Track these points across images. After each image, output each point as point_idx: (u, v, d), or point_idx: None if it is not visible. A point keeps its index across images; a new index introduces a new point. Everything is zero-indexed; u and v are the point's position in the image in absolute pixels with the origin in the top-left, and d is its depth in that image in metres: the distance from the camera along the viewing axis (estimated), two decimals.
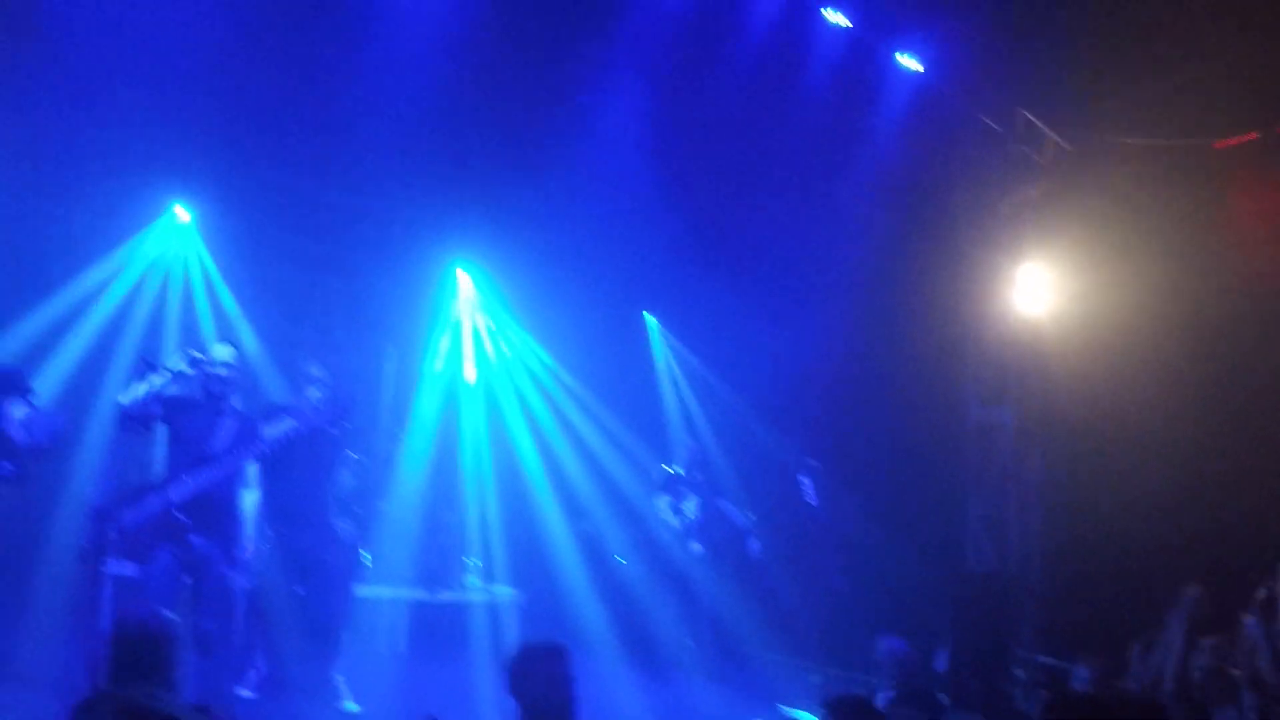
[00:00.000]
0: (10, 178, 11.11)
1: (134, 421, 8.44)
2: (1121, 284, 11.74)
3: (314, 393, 9.33)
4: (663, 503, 13.03)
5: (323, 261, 13.31)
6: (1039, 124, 12.51)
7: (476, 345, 14.46)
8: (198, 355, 8.57)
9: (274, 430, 8.53)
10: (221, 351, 8.70)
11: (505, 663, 5.43)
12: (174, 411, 8.46)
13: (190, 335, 12.05)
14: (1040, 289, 12.61)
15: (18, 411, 8.74)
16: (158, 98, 11.02)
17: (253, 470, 8.56)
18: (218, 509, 8.32)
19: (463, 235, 13.75)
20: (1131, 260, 11.66)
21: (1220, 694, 8.71)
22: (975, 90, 12.45)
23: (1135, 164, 11.81)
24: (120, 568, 8.94)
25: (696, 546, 12.87)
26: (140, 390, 8.31)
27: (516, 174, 12.78)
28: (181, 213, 12.64)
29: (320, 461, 9.35)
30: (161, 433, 8.82)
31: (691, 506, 12.99)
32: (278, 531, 9.02)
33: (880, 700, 7.12)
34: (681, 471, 13.23)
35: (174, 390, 8.47)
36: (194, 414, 8.50)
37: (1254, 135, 11.33)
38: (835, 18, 11.91)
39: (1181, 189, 11.50)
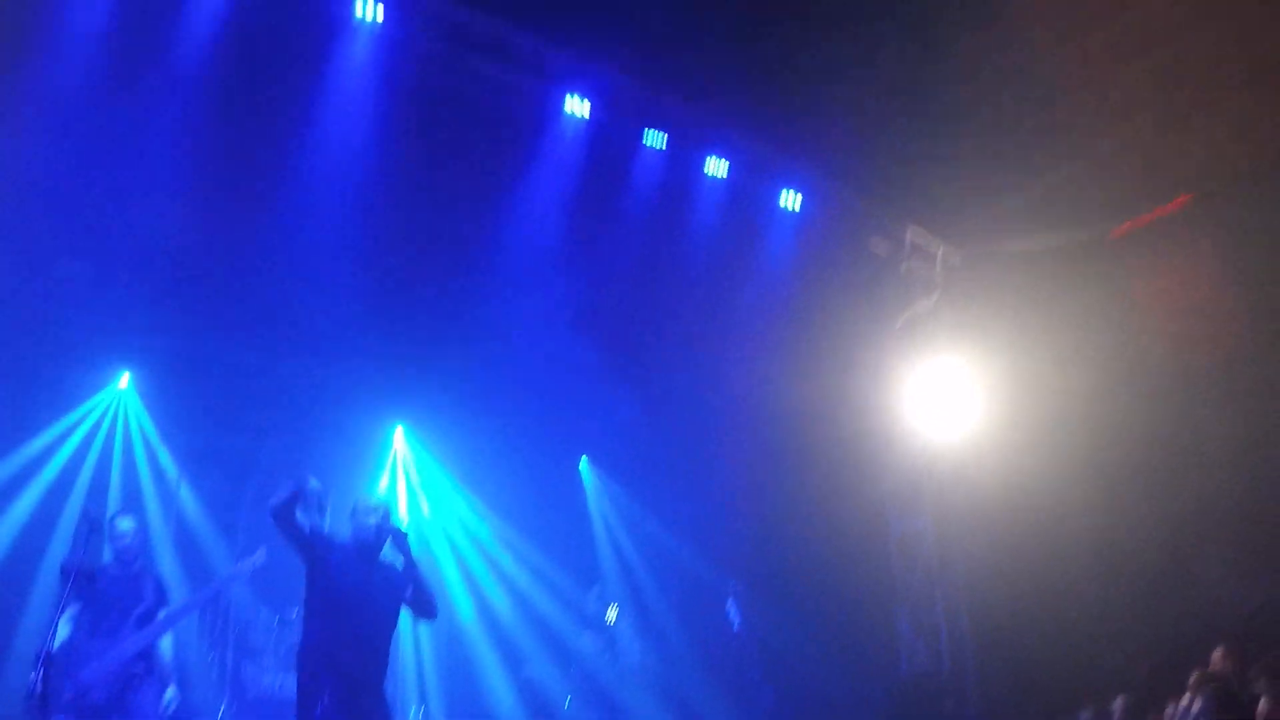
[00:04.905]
0: None
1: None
2: (1025, 382, 12.45)
3: None
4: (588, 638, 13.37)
5: (262, 426, 13.71)
6: (929, 238, 13.14)
7: (411, 500, 14.78)
8: None
9: None
10: None
11: None
12: None
13: (131, 497, 12.56)
14: (946, 398, 13.10)
15: None
16: (101, 270, 11.75)
17: None
18: None
19: (399, 396, 14.27)
20: (1032, 358, 12.41)
21: None
22: (861, 215, 13.15)
23: (1028, 265, 12.61)
24: None
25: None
26: None
27: (449, 337, 13.48)
28: (122, 381, 13.18)
29: None
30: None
31: (586, 640, 13.40)
32: None
33: None
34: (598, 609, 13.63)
35: None
36: None
37: (1145, 219, 12.23)
38: (715, 166, 12.69)
39: (1074, 284, 12.35)
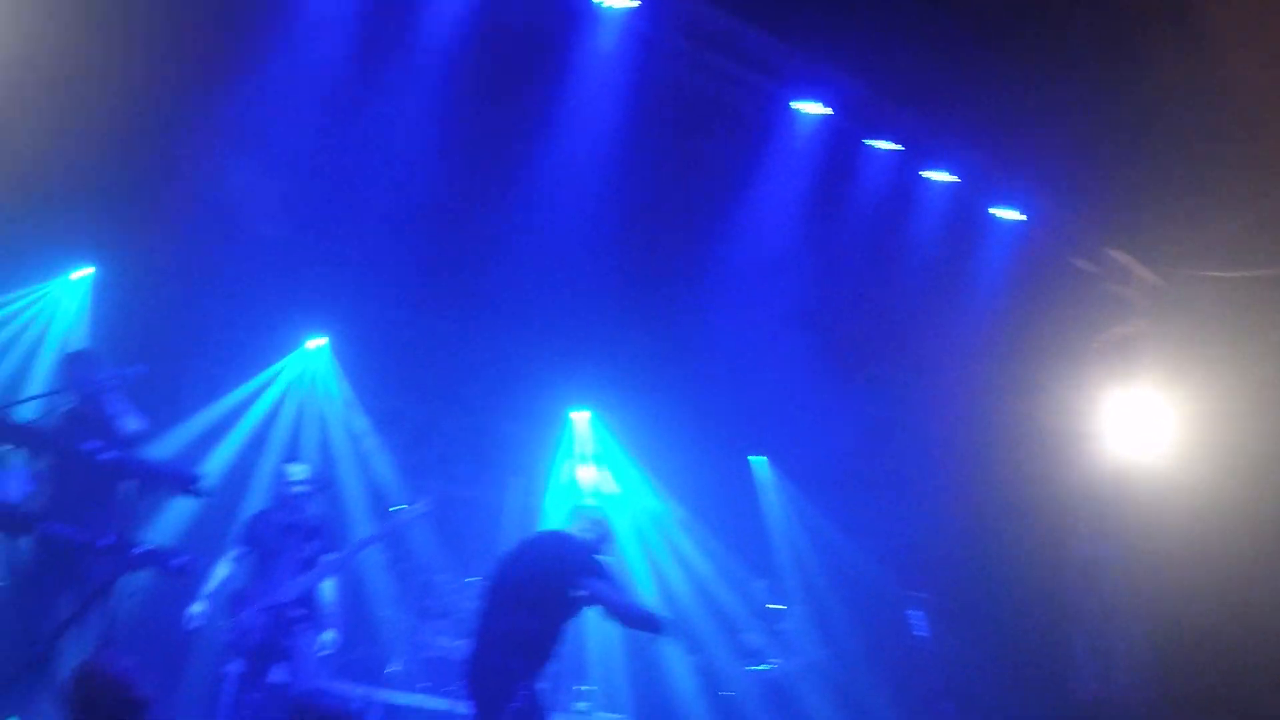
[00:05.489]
0: (161, 298, 12.18)
1: None
2: (1223, 412, 12.04)
3: None
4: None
5: (444, 394, 14.22)
6: (1130, 262, 12.96)
7: (596, 480, 14.93)
8: None
9: None
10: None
11: None
12: None
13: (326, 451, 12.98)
14: (1139, 422, 12.81)
15: None
16: (303, 234, 12.24)
17: None
18: None
19: (586, 379, 14.44)
20: (1231, 389, 11.99)
21: None
22: (1067, 233, 13.01)
23: (1229, 296, 12.22)
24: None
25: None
26: None
27: (639, 325, 13.62)
28: (316, 341, 13.72)
29: None
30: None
31: (753, 638, 13.45)
32: None
33: None
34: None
35: None
36: None
37: None
38: (939, 176, 12.71)
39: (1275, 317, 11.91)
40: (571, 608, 8.39)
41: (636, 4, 10.87)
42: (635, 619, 8.57)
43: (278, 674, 9.61)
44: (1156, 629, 12.52)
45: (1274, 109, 10.69)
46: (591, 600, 8.32)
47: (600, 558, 8.45)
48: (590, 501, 14.09)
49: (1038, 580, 13.23)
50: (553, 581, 8.29)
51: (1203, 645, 11.89)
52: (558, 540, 8.66)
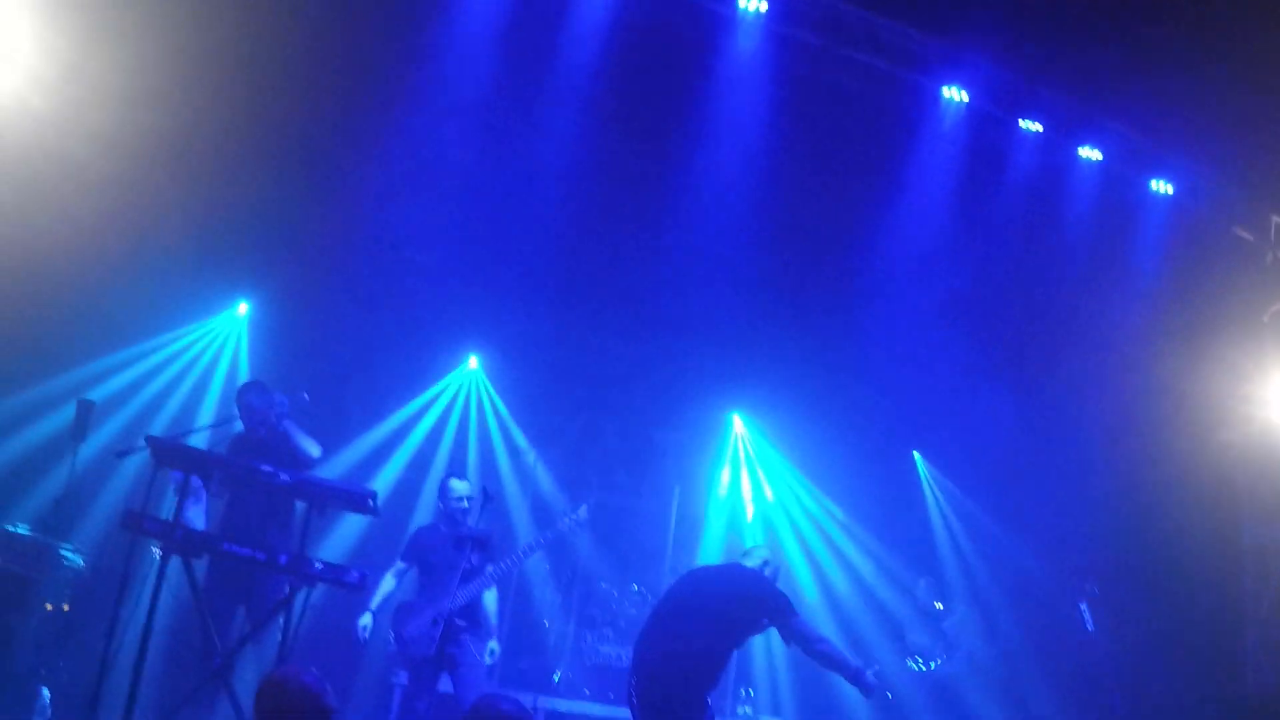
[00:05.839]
0: (322, 326, 12.58)
1: None
2: None
3: None
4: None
5: (600, 405, 14.38)
6: None
7: (754, 486, 14.94)
8: None
9: None
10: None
11: None
12: None
13: (489, 463, 13.22)
14: None
15: None
16: (459, 256, 12.55)
17: None
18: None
19: (740, 384, 14.49)
20: None
21: None
22: (1228, 203, 12.69)
23: None
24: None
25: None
26: None
27: (792, 327, 13.68)
28: (472, 361, 14.06)
29: None
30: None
31: (916, 637, 13.42)
32: None
33: None
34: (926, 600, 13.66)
35: None
36: None
37: None
38: (1092, 154, 12.51)
39: None
40: (750, 637, 8.55)
41: (765, 7, 10.98)
42: (834, 663, 8.59)
43: (444, 684, 9.85)
44: None
45: None
46: (789, 636, 8.39)
47: (785, 594, 8.56)
48: (750, 516, 14.23)
49: (1207, 569, 12.93)
50: (745, 613, 8.38)
51: None
52: (747, 576, 8.65)
